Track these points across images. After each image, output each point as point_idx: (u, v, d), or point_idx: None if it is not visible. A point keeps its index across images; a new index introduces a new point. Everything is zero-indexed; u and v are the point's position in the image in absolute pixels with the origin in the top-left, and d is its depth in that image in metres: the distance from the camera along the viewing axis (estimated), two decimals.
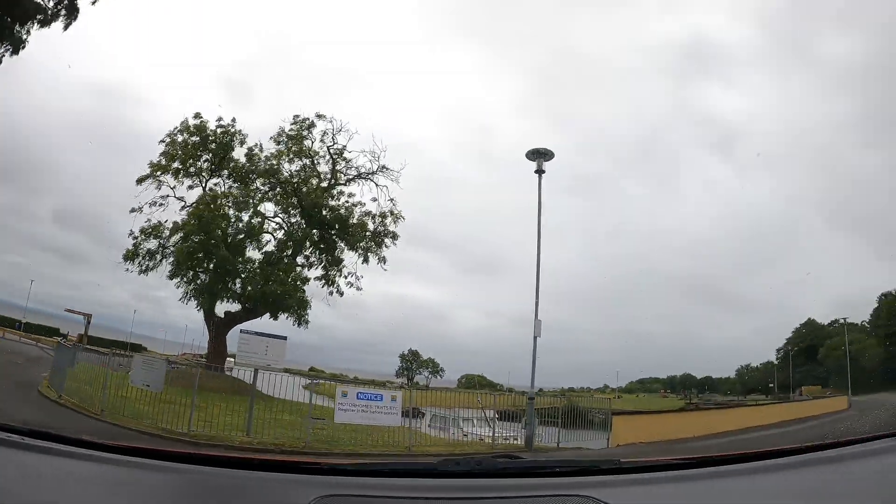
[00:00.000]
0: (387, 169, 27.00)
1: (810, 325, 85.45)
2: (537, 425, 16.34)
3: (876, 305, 69.96)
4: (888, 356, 62.78)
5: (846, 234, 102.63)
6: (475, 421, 15.89)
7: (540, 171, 17.12)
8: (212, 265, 25.29)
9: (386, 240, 27.08)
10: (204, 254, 25.04)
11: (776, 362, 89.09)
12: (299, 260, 27.33)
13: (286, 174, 27.35)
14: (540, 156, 17.21)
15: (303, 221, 27.19)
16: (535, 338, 16.95)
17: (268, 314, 25.77)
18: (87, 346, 19.54)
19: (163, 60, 61.07)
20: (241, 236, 26.79)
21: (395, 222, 26.93)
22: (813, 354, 77.64)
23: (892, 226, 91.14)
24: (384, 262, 26.98)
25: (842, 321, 77.92)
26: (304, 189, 27.25)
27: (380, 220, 27.07)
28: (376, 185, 27.10)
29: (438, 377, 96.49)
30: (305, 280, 26.85)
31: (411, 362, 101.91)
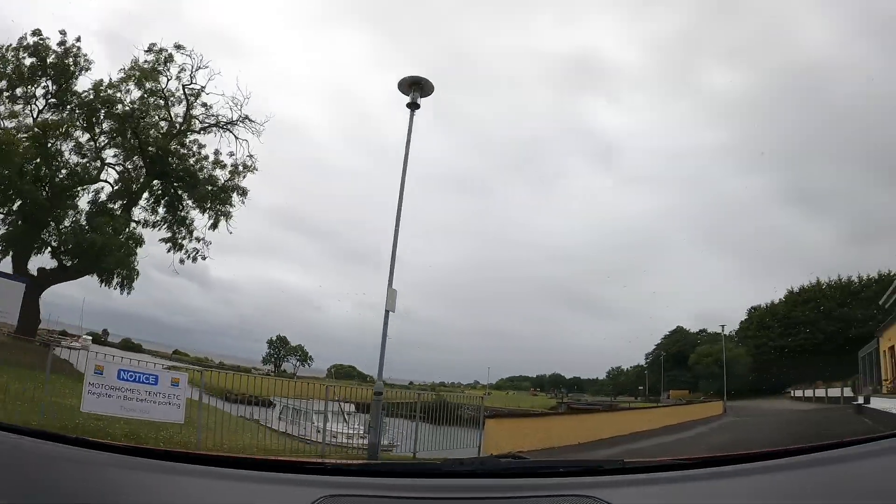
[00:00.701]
0: (249, 120, 23.55)
1: (679, 332, 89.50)
2: (402, 422, 14.29)
3: (745, 318, 74.10)
4: (757, 365, 65.62)
5: (714, 253, 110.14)
6: (330, 415, 13.34)
7: (413, 105, 13.46)
8: (16, 206, 20.90)
9: (234, 195, 23.81)
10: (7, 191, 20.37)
11: (645, 366, 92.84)
12: (139, 215, 23.58)
13: (128, 108, 22.81)
14: (416, 87, 13.46)
15: (143, 168, 23.19)
16: (386, 312, 13.06)
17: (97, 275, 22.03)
18: None
19: None
20: (67, 180, 22.37)
21: (245, 176, 23.82)
22: (681, 360, 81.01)
23: (756, 248, 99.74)
24: (228, 219, 23.62)
25: (709, 330, 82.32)
26: (152, 132, 23.31)
27: (231, 172, 23.77)
28: (236, 137, 23.56)
29: (307, 366, 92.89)
30: (139, 239, 23.10)
31: (279, 349, 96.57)
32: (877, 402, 21.05)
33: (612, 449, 13.95)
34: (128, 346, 53.74)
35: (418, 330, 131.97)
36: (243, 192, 23.83)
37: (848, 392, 35.40)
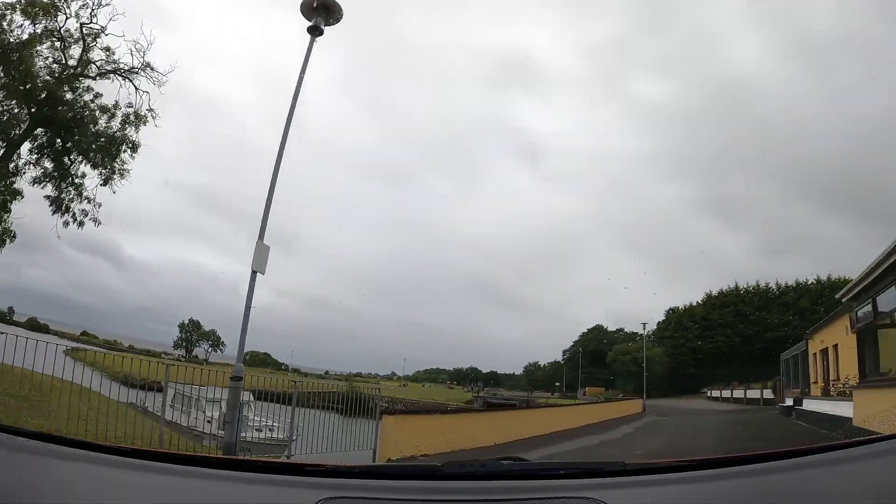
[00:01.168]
0: (151, 69, 20.58)
1: (597, 330, 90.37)
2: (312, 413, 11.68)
3: (663, 318, 74.82)
4: (674, 364, 65.85)
5: (633, 255, 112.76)
6: (223, 403, 11.20)
7: (315, 30, 10.58)
8: None
9: (123, 149, 20.86)
10: None
11: (563, 362, 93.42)
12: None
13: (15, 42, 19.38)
14: (322, 11, 10.55)
15: (25, 114, 20.02)
16: (252, 274, 10.25)
17: None
18: None
19: None
20: None
21: (138, 129, 20.88)
22: (599, 358, 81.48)
23: (675, 252, 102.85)
24: (123, 176, 20.77)
25: (627, 330, 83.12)
26: (42, 73, 20.07)
27: (122, 123, 20.91)
28: (136, 88, 20.54)
29: (220, 351, 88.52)
30: (15, 192, 20.21)
31: (191, 333, 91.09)
32: (810, 404, 19.61)
33: (535, 452, 11.25)
34: (33, 325, 52.93)
35: (337, 319, 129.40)
36: (133, 147, 20.79)
37: (768, 394, 34.65)
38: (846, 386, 16.85)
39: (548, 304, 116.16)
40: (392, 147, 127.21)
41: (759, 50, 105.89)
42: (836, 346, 20.72)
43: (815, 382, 23.79)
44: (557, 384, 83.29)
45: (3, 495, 1.27)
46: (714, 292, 68.25)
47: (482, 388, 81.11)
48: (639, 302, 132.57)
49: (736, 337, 62.48)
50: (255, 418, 13.31)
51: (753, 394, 37.70)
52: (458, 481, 1.53)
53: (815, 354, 24.30)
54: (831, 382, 19.02)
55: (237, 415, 9.43)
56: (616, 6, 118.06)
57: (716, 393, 50.39)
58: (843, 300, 13.54)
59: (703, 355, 63.66)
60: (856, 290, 12.79)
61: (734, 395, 42.34)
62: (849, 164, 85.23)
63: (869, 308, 12.64)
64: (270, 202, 10.64)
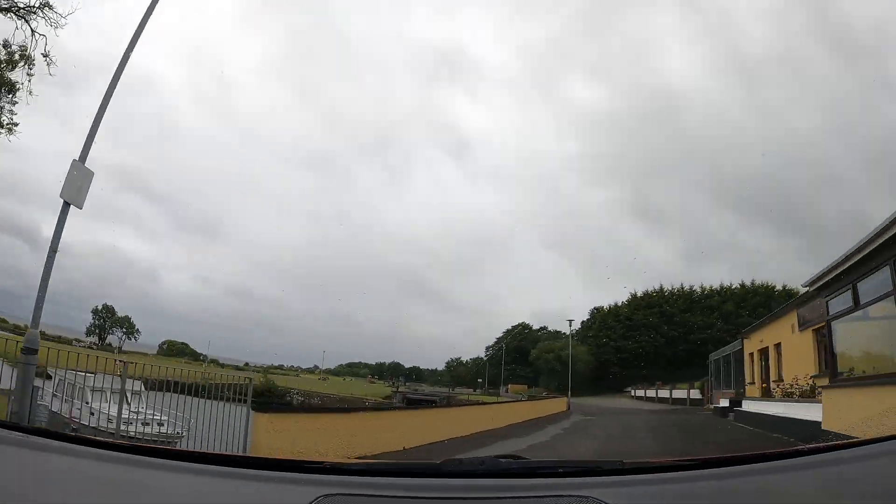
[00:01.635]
0: (49, 7, 17.80)
1: (522, 328, 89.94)
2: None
3: (587, 317, 74.69)
4: (598, 363, 65.50)
5: (559, 254, 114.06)
6: (108, 394, 10.10)
7: None
8: None
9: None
10: None
11: (486, 359, 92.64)
12: None
13: None
14: None
15: None
16: (64, 207, 6.95)
17: None
18: None
19: None
20: None
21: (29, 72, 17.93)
22: (523, 355, 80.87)
23: (601, 254, 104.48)
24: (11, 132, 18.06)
25: (551, 328, 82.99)
26: None
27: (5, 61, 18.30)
28: (33, 32, 17.73)
29: (134, 339, 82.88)
30: None
31: (104, 319, 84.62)
32: (751, 406, 18.21)
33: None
34: None
35: (261, 311, 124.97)
36: (11, 88, 18.22)
37: (695, 394, 33.88)
38: (795, 387, 15.46)
39: (474, 301, 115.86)
40: (323, 136, 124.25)
41: (691, 62, 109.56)
42: (777, 346, 19.53)
43: (752, 383, 22.73)
44: (480, 381, 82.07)
45: (4, 493, 1.25)
46: (639, 293, 68.45)
47: (404, 383, 79.53)
48: (563, 302, 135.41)
49: (660, 338, 62.76)
50: (144, 411, 11.51)
51: (679, 394, 36.98)
52: (456, 479, 1.51)
53: (751, 354, 23.23)
54: (777, 384, 17.65)
55: (30, 396, 7.24)
56: (554, 8, 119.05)
57: (640, 392, 50.06)
58: (810, 290, 11.78)
59: (627, 355, 63.61)
60: (827, 279, 11.02)
61: (659, 395, 41.69)
62: (770, 177, 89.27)
63: (839, 300, 10.91)
64: (101, 119, 7.73)
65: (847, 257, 10.28)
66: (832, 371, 11.09)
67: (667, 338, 62.49)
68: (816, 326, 15.83)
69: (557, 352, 66.50)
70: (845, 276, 10.58)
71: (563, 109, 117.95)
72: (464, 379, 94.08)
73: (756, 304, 59.45)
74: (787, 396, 15.68)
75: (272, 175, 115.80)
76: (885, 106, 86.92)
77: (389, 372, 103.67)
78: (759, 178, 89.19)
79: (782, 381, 17.65)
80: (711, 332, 60.43)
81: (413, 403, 38.74)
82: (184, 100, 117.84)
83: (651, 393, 44.58)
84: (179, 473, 1.45)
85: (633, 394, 53.64)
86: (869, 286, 10.03)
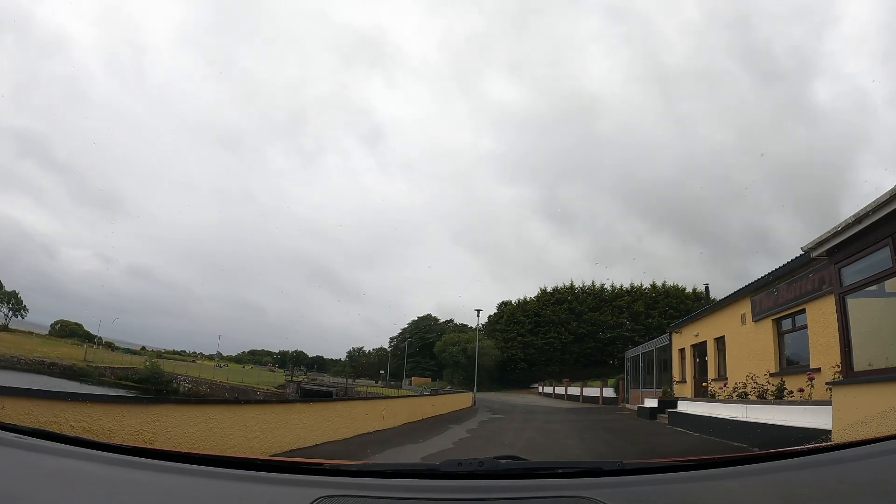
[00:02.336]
0: None
1: (428, 320, 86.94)
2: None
3: (495, 311, 72.46)
4: (505, 358, 63.19)
5: (466, 250, 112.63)
6: None
7: None
8: None
9: None
10: None
11: (389, 350, 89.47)
12: None
13: None
14: None
15: None
16: None
17: None
18: None
19: None
20: None
21: None
22: (427, 347, 77.91)
23: (508, 252, 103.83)
24: None
25: (457, 321, 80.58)
26: None
27: None
28: None
29: (20, 317, 73.84)
30: None
31: None
32: (691, 407, 15.47)
33: None
34: None
35: (162, 293, 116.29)
36: None
37: (609, 392, 31.63)
38: (754, 386, 12.75)
39: (381, 292, 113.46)
40: (236, 113, 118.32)
41: (611, 69, 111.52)
42: (720, 340, 17.00)
43: (682, 381, 20.29)
44: (382, 372, 78.37)
45: (3, 494, 1.23)
46: (549, 289, 66.92)
47: (305, 373, 75.32)
48: (471, 296, 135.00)
49: (569, 335, 61.39)
50: None
51: (590, 392, 34.76)
52: (455, 480, 1.48)
53: (681, 350, 20.81)
54: (720, 383, 14.97)
55: None
56: (479, 4, 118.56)
57: (547, 389, 47.94)
58: (814, 254, 8.76)
59: (535, 351, 61.82)
60: (846, 236, 8.01)
61: (569, 393, 39.51)
62: (679, 187, 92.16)
63: (862, 267, 7.95)
64: None
65: (882, 205, 7.21)
66: (846, 363, 8.08)
67: (575, 335, 61.20)
68: (778, 315, 13.24)
69: (463, 344, 63.75)
70: (875, 231, 7.55)
71: (481, 105, 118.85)
72: (366, 370, 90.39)
73: (667, 306, 59.65)
74: (741, 398, 12.98)
75: (181, 150, 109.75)
76: (793, 128, 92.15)
77: (292, 361, 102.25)
78: (667, 187, 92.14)
79: (726, 379, 15.06)
80: (620, 331, 59.84)
81: (309, 395, 34.78)
82: (95, 63, 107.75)
83: (560, 390, 42.40)
84: (176, 475, 1.42)
85: (540, 390, 51.84)
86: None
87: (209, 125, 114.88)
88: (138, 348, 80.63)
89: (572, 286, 66.07)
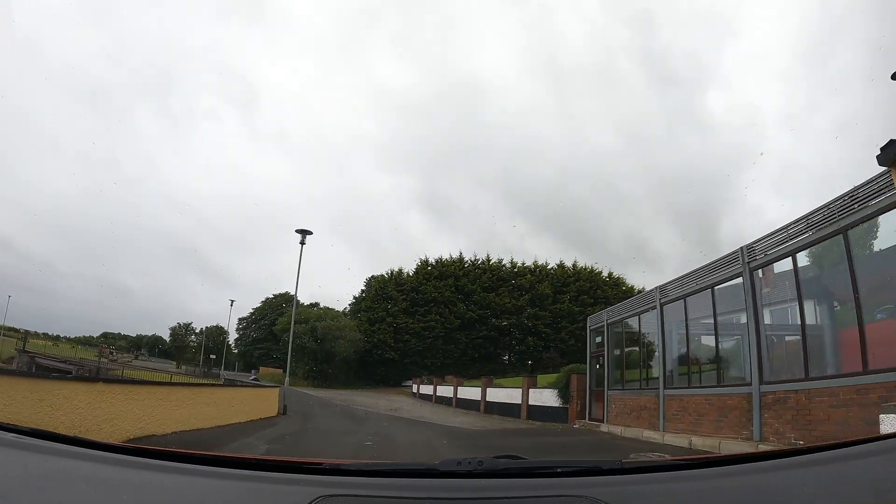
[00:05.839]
0: None
1: (287, 298, 71.53)
2: None
3: (362, 289, 59.05)
4: (370, 345, 48.64)
5: (341, 238, 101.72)
6: None
7: None
8: None
9: None
10: None
11: (238, 334, 74.12)
12: None
13: None
14: None
15: None
16: None
17: None
18: None
19: None
20: None
21: None
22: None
23: (384, 243, 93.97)
24: None
25: (323, 304, 66.40)
26: None
27: None
28: None
29: None
30: None
31: None
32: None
33: None
34: None
35: (30, 271, 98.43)
36: None
37: (550, 400, 19.60)
38: None
39: (252, 278, 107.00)
40: (103, 65, 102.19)
41: (503, 55, 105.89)
42: None
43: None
44: (213, 357, 62.19)
45: (3, 494, 1.22)
46: (431, 260, 54.09)
47: (135, 356, 67.69)
48: (344, 285, 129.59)
49: (454, 318, 49.18)
50: None
51: (502, 396, 22.92)
52: (454, 479, 1.46)
53: None
54: None
55: None
56: None
57: (426, 389, 35.63)
58: None
59: (410, 336, 48.80)
60: None
61: (459, 396, 27.65)
62: (561, 187, 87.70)
63: None
64: None
65: None
66: None
67: (463, 319, 49.05)
68: None
69: (312, 322, 48.54)
70: None
71: (364, 82, 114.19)
72: (194, 354, 77.15)
73: (579, 290, 49.72)
74: None
75: (42, 105, 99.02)
76: (684, 135, 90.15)
77: (147, 345, 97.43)
78: (550, 186, 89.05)
79: None
80: (520, 317, 48.86)
81: (42, 371, 22.62)
82: None
83: (445, 391, 30.32)
84: (175, 474, 1.42)
85: (415, 390, 40.08)
86: None
87: (74, 78, 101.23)
88: None
89: (461, 258, 53.47)
